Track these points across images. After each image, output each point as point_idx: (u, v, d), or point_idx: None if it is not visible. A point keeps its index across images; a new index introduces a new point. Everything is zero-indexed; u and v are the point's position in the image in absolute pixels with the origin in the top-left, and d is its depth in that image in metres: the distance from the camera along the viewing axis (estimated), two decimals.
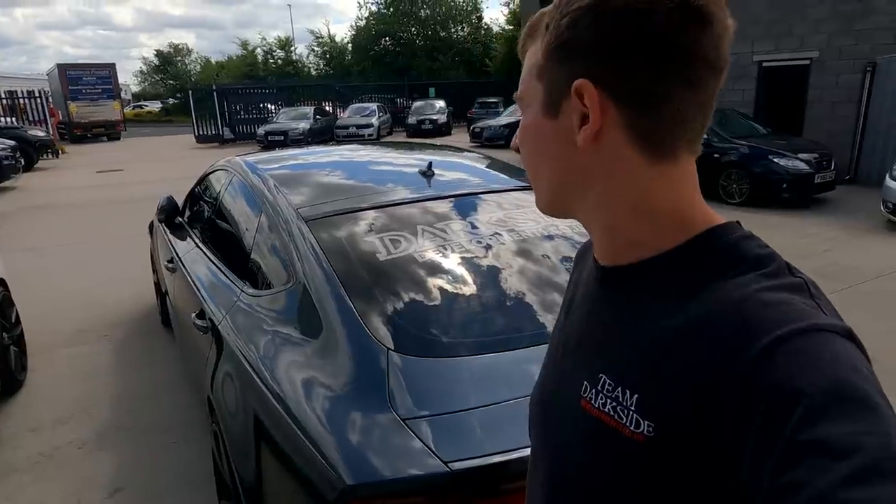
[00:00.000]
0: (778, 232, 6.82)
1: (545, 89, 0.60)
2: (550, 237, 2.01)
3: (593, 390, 0.58)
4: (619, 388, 0.55)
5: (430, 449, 1.26)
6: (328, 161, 2.98)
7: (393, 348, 1.52)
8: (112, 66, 24.11)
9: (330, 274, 1.75)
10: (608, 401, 0.55)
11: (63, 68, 23.07)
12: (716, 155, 8.57)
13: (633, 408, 0.53)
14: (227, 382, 1.86)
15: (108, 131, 22.82)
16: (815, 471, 0.38)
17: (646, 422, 0.51)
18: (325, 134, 19.78)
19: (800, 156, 8.22)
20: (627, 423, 0.53)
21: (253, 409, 1.65)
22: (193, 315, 2.29)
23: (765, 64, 10.94)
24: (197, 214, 3.28)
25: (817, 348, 0.44)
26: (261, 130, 19.02)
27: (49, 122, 19.44)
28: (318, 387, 1.52)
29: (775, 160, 8.20)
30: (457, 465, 1.23)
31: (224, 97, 21.97)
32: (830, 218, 7.58)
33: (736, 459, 0.44)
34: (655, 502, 0.52)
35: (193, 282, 2.56)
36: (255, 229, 2.24)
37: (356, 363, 1.52)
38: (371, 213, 2.04)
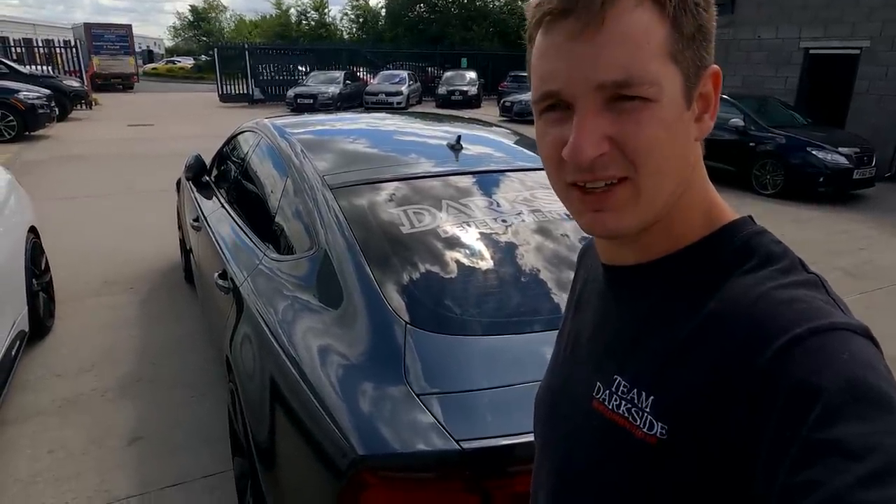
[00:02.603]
0: (811, 227, 6.65)
1: (683, 76, 0.52)
2: (573, 219, 1.97)
3: (607, 391, 0.57)
4: (635, 390, 0.54)
5: (441, 426, 1.26)
6: (356, 129, 2.96)
7: (410, 322, 1.52)
8: (129, 27, 27.89)
9: (352, 243, 1.74)
10: (623, 402, 0.55)
11: (88, 26, 26.97)
12: (751, 144, 8.33)
13: (648, 409, 0.52)
14: (246, 343, 1.88)
15: (124, 82, 26.67)
16: (830, 471, 0.38)
17: (659, 424, 0.51)
18: (354, 99, 19.69)
19: (840, 149, 7.95)
20: (641, 425, 0.52)
21: (269, 372, 1.67)
22: (216, 275, 2.31)
23: (811, 51, 10.53)
24: (224, 174, 3.30)
25: (835, 347, 0.44)
26: (290, 93, 19.00)
27: (84, 73, 19.64)
28: (334, 355, 1.53)
29: (813, 152, 7.94)
30: (467, 445, 1.23)
31: (255, 56, 21.94)
32: (867, 215, 7.36)
33: (750, 459, 0.44)
34: None
35: (217, 242, 2.59)
36: (280, 193, 2.24)
37: (373, 335, 1.52)
38: (396, 185, 2.02)
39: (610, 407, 0.56)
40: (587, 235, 0.66)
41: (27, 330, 3.23)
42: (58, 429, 2.75)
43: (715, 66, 0.54)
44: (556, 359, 0.74)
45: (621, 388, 0.56)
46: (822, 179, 7.84)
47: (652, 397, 0.52)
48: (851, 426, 0.39)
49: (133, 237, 5.53)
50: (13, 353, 2.91)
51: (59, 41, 21.96)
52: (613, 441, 0.55)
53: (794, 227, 6.57)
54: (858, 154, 8.00)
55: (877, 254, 5.76)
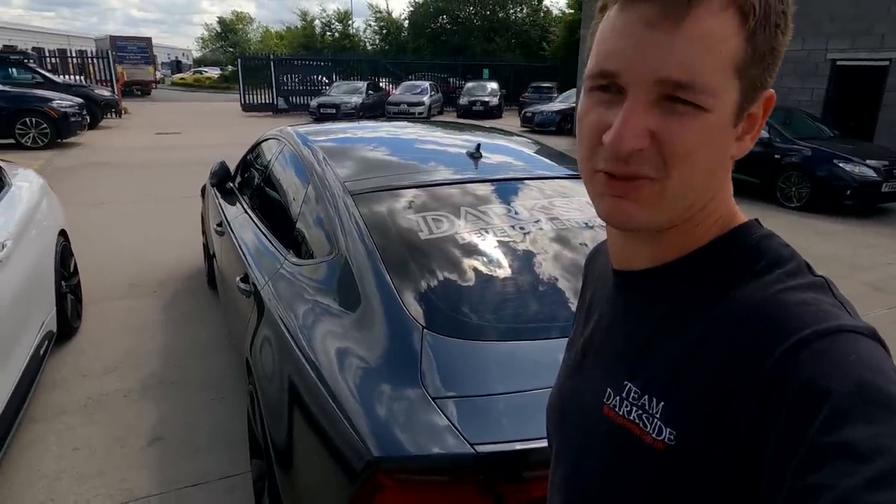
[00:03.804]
0: (837, 240, 6.52)
1: (742, 93, 0.50)
2: (591, 227, 1.98)
3: (618, 398, 0.57)
4: (646, 396, 0.54)
5: (457, 429, 1.27)
6: (377, 137, 3.00)
7: (427, 327, 1.53)
8: (148, 40, 31.99)
9: (371, 249, 1.77)
10: (634, 408, 0.55)
11: (113, 39, 31.07)
12: (776, 155, 8.23)
13: (658, 415, 0.52)
14: (266, 346, 1.91)
15: (143, 88, 30.04)
16: (838, 473, 0.38)
17: (668, 429, 0.51)
18: (376, 109, 19.89)
19: (868, 162, 7.80)
20: (651, 431, 0.52)
21: (288, 375, 1.70)
22: (238, 279, 2.36)
23: (839, 63, 10.39)
24: (247, 181, 3.36)
25: (842, 349, 0.43)
26: (313, 102, 19.27)
27: (115, 83, 20.17)
28: (351, 358, 1.55)
29: (840, 165, 7.81)
30: (482, 449, 1.23)
31: (280, 67, 22.33)
32: (895, 230, 7.20)
33: (757, 462, 0.43)
34: None
35: (240, 246, 2.64)
36: (302, 199, 2.28)
37: (391, 339, 1.54)
38: (416, 192, 2.05)
39: (621, 413, 0.56)
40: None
41: (55, 330, 3.31)
42: (82, 427, 2.81)
43: (771, 90, 0.53)
44: (566, 366, 0.74)
45: (632, 394, 0.56)
46: (849, 192, 7.70)
47: (662, 403, 0.52)
48: (859, 429, 0.39)
49: (158, 243, 5.65)
50: (41, 352, 2.99)
51: (90, 52, 22.76)
52: (624, 447, 0.55)
53: (819, 240, 6.46)
54: (887, 167, 7.84)
55: None
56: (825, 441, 0.39)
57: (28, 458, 2.58)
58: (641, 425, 0.53)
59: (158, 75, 46.89)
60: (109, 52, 22.46)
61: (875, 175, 7.71)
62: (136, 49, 30.66)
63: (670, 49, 0.47)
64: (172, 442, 2.73)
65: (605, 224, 0.59)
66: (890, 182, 7.82)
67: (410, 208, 1.96)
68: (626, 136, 0.49)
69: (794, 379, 0.43)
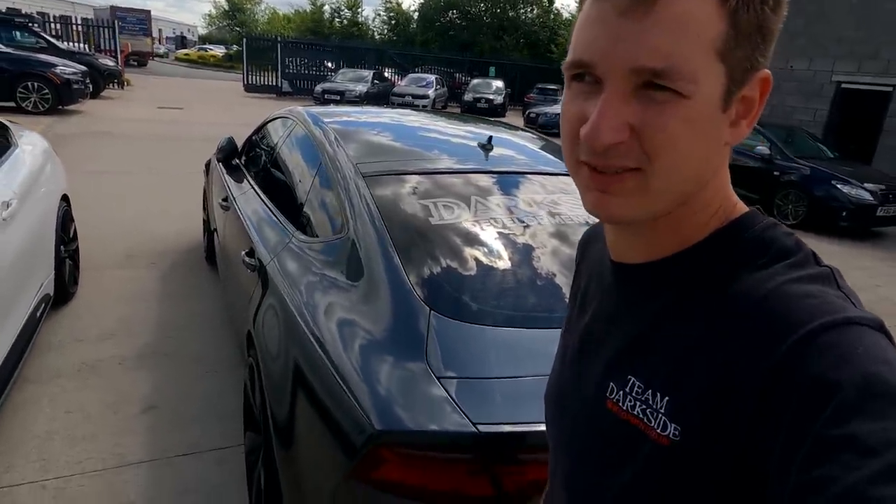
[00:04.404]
0: (829, 259, 6.55)
1: (727, 75, 0.48)
2: (589, 224, 2.01)
3: (621, 392, 0.57)
4: (650, 391, 0.53)
5: (459, 408, 1.30)
6: (388, 122, 3.02)
7: (433, 308, 1.56)
8: (147, 13, 33.90)
9: (381, 230, 1.79)
10: (637, 403, 0.54)
11: (114, 9, 32.35)
12: (775, 172, 8.31)
13: (662, 410, 0.51)
14: (271, 320, 1.93)
15: (140, 59, 30.58)
16: (845, 466, 0.38)
17: (673, 424, 0.50)
18: (380, 99, 19.85)
19: (865, 185, 7.89)
20: (655, 426, 0.52)
21: (293, 349, 1.72)
22: (243, 253, 2.37)
23: (843, 85, 10.47)
24: (255, 158, 3.37)
25: (849, 342, 0.43)
26: (318, 88, 19.20)
27: (119, 53, 20.00)
28: (357, 335, 1.57)
29: (838, 186, 7.90)
30: (484, 428, 1.26)
31: (287, 49, 22.23)
32: (889, 253, 7.30)
33: (764, 457, 0.43)
34: None
35: (246, 221, 2.65)
36: (313, 178, 2.30)
37: (398, 318, 1.56)
38: (427, 178, 2.07)
39: (624, 408, 0.56)
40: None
41: (52, 294, 3.31)
42: (76, 391, 2.82)
43: (766, 70, 0.51)
44: (563, 356, 0.72)
45: (636, 388, 0.55)
46: (844, 214, 7.79)
47: (667, 398, 0.52)
48: (866, 422, 0.39)
49: (157, 215, 5.63)
50: (38, 314, 2.99)
51: (95, 20, 22.63)
52: (627, 442, 0.55)
53: None
54: (884, 191, 7.94)
55: (893, 291, 5.72)
56: (832, 434, 0.39)
57: (22, 417, 2.59)
58: (646, 420, 0.53)
59: (162, 49, 47.83)
60: (115, 22, 22.28)
61: (871, 198, 7.81)
62: (136, 21, 32.13)
63: (643, 36, 0.46)
64: (165, 411, 2.75)
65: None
66: (885, 206, 7.92)
67: (421, 193, 1.99)
68: (603, 130, 0.48)
69: (801, 372, 0.43)
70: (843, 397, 0.40)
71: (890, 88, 9.83)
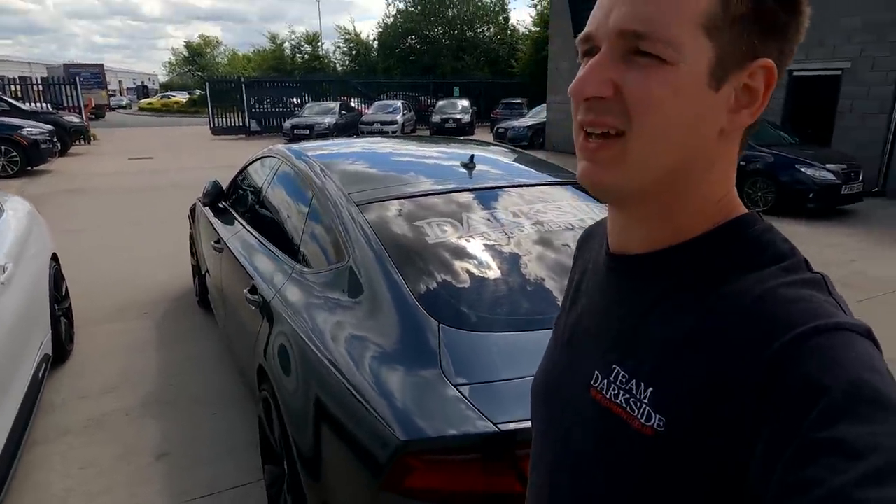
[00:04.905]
0: (803, 241, 6.81)
1: (716, 54, 0.50)
2: (572, 228, 2.12)
3: (605, 381, 0.57)
4: (634, 381, 0.54)
5: (479, 410, 1.38)
6: (370, 150, 3.12)
7: (441, 321, 1.64)
8: (101, 66, 36.04)
9: (380, 252, 1.88)
10: (621, 392, 0.55)
11: (67, 66, 34.57)
12: (742, 162, 8.43)
13: (646, 401, 0.52)
14: (282, 351, 1.99)
15: (97, 112, 31.51)
16: (830, 469, 0.38)
17: (657, 416, 0.51)
18: (349, 129, 19.99)
19: (827, 166, 8.20)
20: (639, 416, 0.52)
21: (309, 375, 1.78)
22: (245, 291, 2.43)
23: (795, 73, 10.89)
24: (243, 198, 3.44)
25: (838, 347, 0.44)
26: (287, 124, 19.30)
27: (83, 109, 19.93)
28: (371, 354, 1.65)
29: (802, 169, 8.19)
30: (503, 426, 1.34)
31: (251, 89, 22.35)
32: (857, 229, 7.56)
33: (747, 455, 0.44)
34: (655, 496, 0.51)
35: (243, 260, 2.71)
36: (306, 211, 2.38)
37: (409, 333, 1.64)
38: (418, 199, 2.16)
39: (608, 396, 0.56)
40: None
41: (51, 353, 3.32)
42: (85, 447, 2.83)
43: (769, 60, 0.52)
44: (552, 346, 0.73)
45: (620, 378, 0.56)
46: (811, 195, 8.07)
47: (651, 389, 0.52)
48: (853, 426, 0.39)
49: (143, 265, 5.64)
50: (40, 375, 3.00)
51: (55, 79, 22.58)
52: (610, 430, 0.55)
53: None
54: (846, 170, 8.25)
55: (867, 265, 5.94)
56: (819, 437, 0.40)
57: (35, 479, 2.59)
58: (629, 409, 0.53)
59: (124, 101, 48.07)
60: (76, 78, 22.23)
61: (834, 178, 8.11)
62: (90, 75, 33.75)
63: (631, 4, 0.51)
64: (177, 457, 2.77)
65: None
66: (849, 184, 8.23)
67: (414, 215, 2.08)
68: (587, 82, 0.52)
69: (791, 374, 0.43)
70: (831, 400, 0.41)
71: (839, 72, 10.24)
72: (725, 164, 0.56)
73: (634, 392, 0.53)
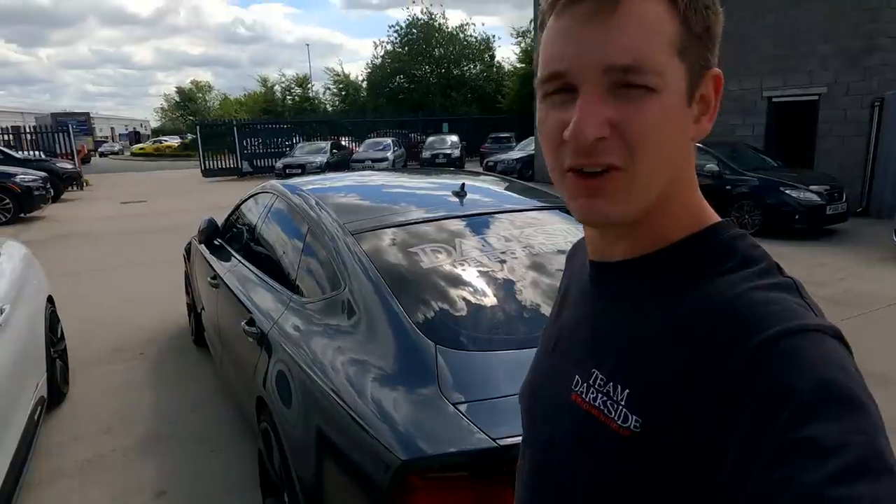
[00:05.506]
0: (792, 262, 6.92)
1: (687, 72, 0.53)
2: (563, 252, 2.18)
3: (585, 384, 0.58)
4: (611, 384, 0.55)
5: (478, 428, 1.41)
6: (363, 183, 3.19)
7: (437, 342, 1.68)
8: (87, 114, 40.99)
9: (377, 280, 1.92)
10: (599, 395, 0.56)
11: (55, 115, 38.17)
12: (727, 187, 8.75)
13: (623, 402, 0.53)
14: (282, 380, 2.01)
15: (84, 157, 32.00)
16: (802, 468, 0.39)
17: (633, 416, 0.51)
18: (341, 167, 20.20)
19: (811, 188, 8.39)
20: (616, 418, 0.53)
21: (310, 404, 1.80)
22: (243, 323, 2.46)
23: (774, 99, 11.20)
24: (238, 234, 3.48)
25: (807, 348, 0.44)
26: (279, 163, 19.50)
27: (76, 155, 20.09)
28: (371, 378, 1.67)
29: (787, 192, 8.36)
30: (503, 442, 1.37)
31: (243, 132, 22.66)
32: (843, 248, 7.68)
33: (720, 456, 0.44)
34: (634, 497, 0.52)
35: (240, 294, 2.74)
36: (302, 243, 2.43)
37: (407, 356, 1.68)
38: (411, 228, 2.22)
39: (587, 400, 0.57)
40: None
41: (46, 396, 3.30)
42: (84, 489, 2.80)
43: (717, 69, 0.55)
44: (538, 355, 0.75)
45: (598, 381, 0.57)
46: (797, 217, 8.23)
47: (627, 391, 0.53)
48: (822, 425, 0.40)
49: (138, 307, 5.63)
50: (35, 417, 2.98)
51: (46, 127, 22.92)
52: (590, 433, 0.56)
53: None
54: (829, 191, 8.43)
55: (855, 283, 6.02)
56: (790, 437, 0.40)
57: None
58: (606, 412, 0.54)
59: (116, 146, 49.37)
60: (70, 126, 22.49)
61: (819, 199, 8.28)
62: (77, 123, 35.11)
63: (609, 38, 0.50)
64: (177, 495, 2.74)
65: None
66: (833, 205, 8.40)
67: (408, 242, 2.13)
68: (587, 126, 0.50)
69: (760, 377, 0.44)
70: (800, 401, 0.41)
71: (816, 97, 10.55)
72: (691, 170, 0.60)
73: (612, 394, 0.54)
